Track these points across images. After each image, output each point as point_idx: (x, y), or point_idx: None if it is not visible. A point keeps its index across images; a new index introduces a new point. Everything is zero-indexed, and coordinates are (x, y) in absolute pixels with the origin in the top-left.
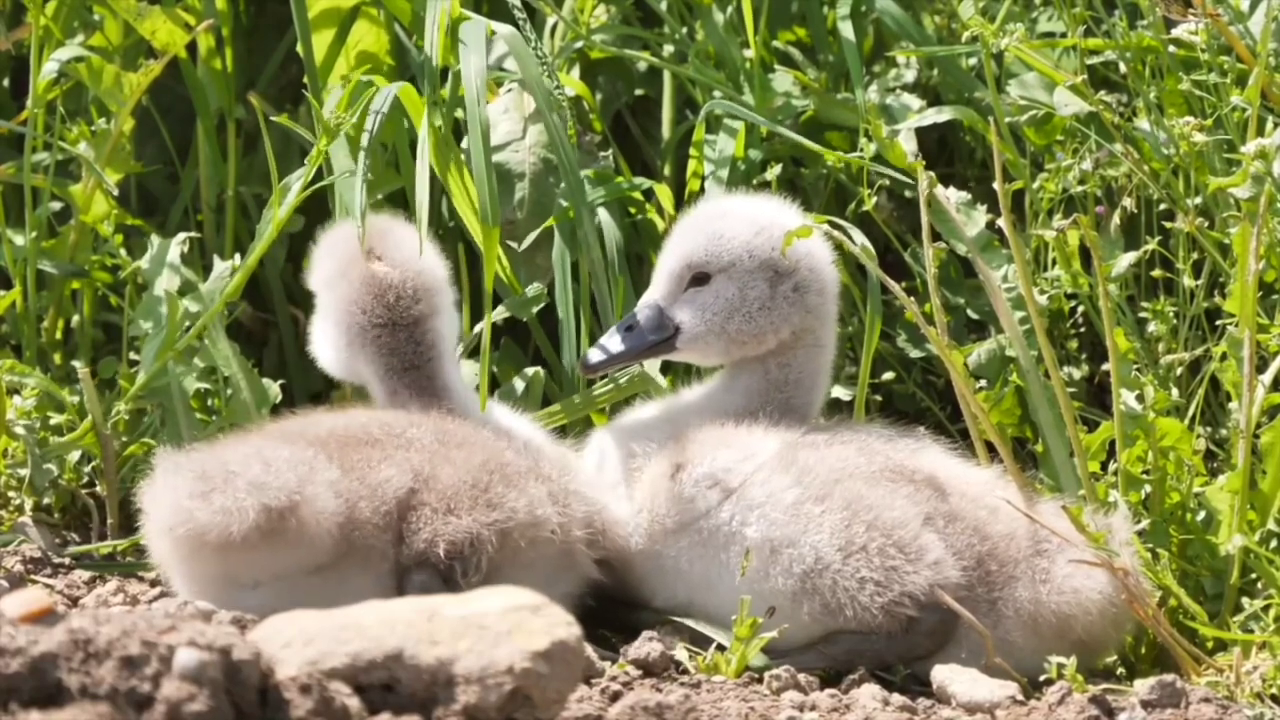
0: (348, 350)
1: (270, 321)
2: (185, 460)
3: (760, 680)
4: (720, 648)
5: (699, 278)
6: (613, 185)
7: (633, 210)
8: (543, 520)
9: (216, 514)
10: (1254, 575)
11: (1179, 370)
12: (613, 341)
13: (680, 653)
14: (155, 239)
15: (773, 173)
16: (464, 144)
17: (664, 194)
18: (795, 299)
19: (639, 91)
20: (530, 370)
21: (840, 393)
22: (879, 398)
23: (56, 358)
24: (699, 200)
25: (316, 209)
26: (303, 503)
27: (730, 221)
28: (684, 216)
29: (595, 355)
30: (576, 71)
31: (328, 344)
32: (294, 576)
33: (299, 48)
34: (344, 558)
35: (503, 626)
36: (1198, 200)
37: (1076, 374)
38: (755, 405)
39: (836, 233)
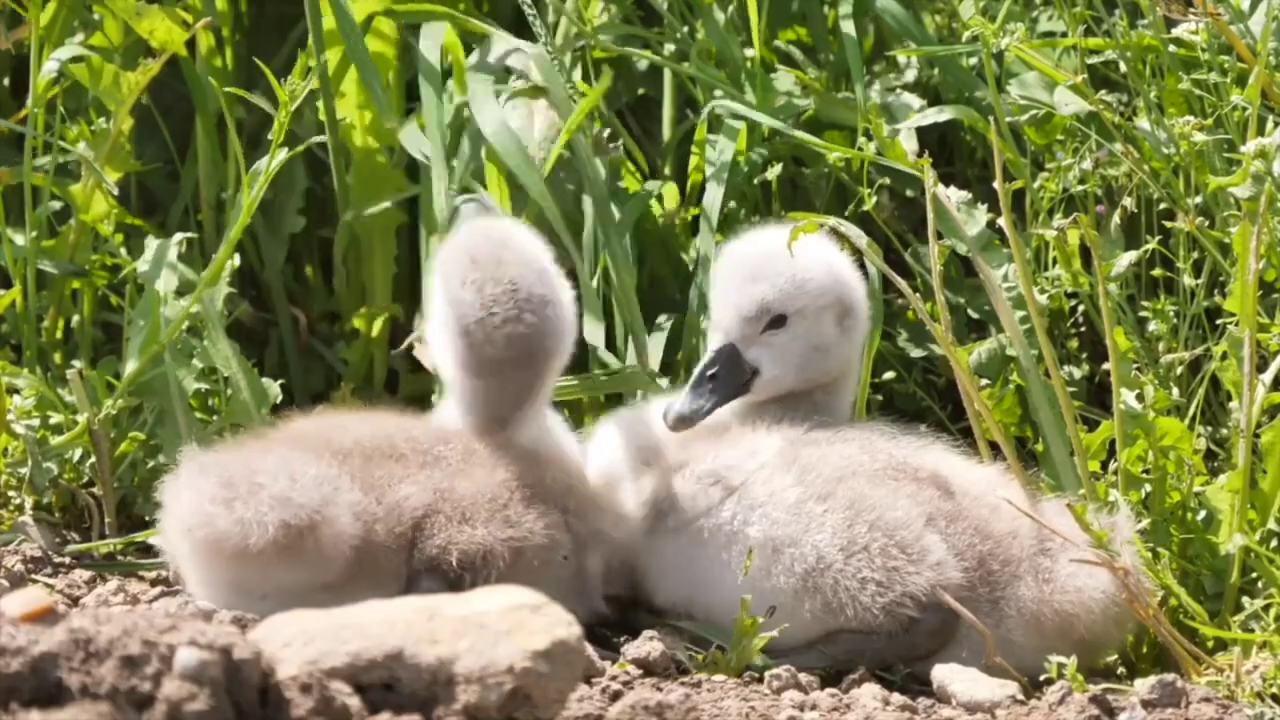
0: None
1: (270, 321)
2: (212, 462)
3: (761, 680)
4: (720, 647)
5: (777, 320)
6: (636, 201)
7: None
8: (558, 545)
9: (236, 523)
10: (1254, 574)
11: (1179, 370)
12: (700, 394)
13: (681, 652)
14: (153, 239)
15: (773, 173)
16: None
17: (670, 193)
18: (856, 332)
19: (640, 91)
20: None
21: None
22: (879, 397)
23: (56, 357)
24: (700, 196)
25: (317, 209)
26: (323, 523)
27: (804, 263)
28: (740, 252)
29: (684, 409)
30: (578, 71)
31: None
32: (303, 592)
33: (306, 59)
34: (354, 578)
35: (503, 626)
36: (1198, 200)
37: (1077, 373)
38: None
39: (841, 231)
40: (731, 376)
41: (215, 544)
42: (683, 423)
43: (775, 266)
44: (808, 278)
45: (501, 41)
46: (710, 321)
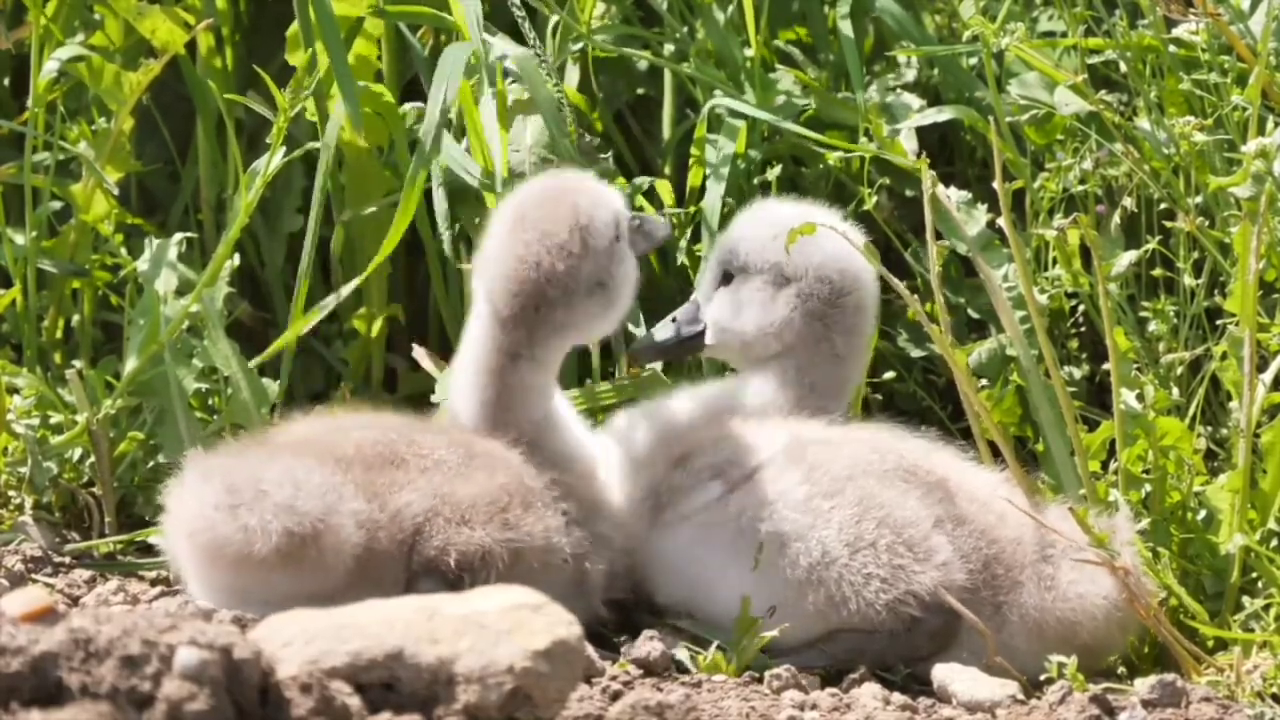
0: None
1: (270, 321)
2: (217, 467)
3: (761, 679)
4: (721, 647)
5: (725, 276)
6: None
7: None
8: (556, 548)
9: (239, 530)
10: (1255, 574)
11: (1179, 369)
12: (659, 331)
13: (681, 652)
14: (153, 239)
15: (773, 172)
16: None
17: (664, 189)
18: (797, 304)
19: (640, 90)
20: None
21: None
22: (880, 397)
23: (57, 357)
24: (700, 195)
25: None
26: (326, 531)
27: (752, 223)
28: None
29: (641, 342)
30: (576, 71)
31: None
32: (304, 600)
33: (305, 64)
34: (355, 586)
35: (503, 625)
36: (1198, 199)
37: (1077, 373)
38: (770, 410)
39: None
40: (685, 323)
41: (217, 549)
42: (635, 355)
43: (735, 225)
44: (750, 236)
45: (498, 45)
46: None
